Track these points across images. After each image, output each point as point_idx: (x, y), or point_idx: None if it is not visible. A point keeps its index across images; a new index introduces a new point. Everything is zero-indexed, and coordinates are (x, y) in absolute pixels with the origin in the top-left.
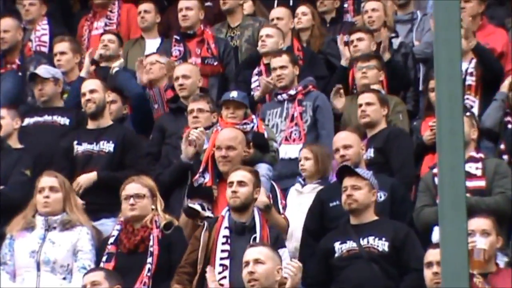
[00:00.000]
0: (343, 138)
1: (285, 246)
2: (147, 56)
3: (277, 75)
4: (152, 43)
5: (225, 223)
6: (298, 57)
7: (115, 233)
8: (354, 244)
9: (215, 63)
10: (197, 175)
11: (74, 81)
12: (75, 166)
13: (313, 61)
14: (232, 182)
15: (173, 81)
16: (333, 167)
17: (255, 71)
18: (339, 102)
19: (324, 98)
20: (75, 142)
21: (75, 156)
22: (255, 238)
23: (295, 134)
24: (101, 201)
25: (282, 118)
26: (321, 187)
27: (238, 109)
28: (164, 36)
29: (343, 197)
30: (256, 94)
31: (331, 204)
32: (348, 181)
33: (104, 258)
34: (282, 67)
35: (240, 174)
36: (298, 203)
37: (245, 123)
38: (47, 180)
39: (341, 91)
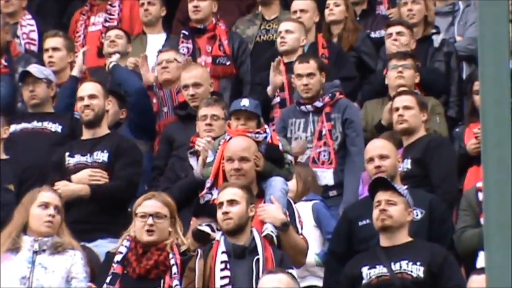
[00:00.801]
0: (380, 147)
1: (292, 267)
2: (160, 52)
3: (303, 84)
4: (155, 39)
5: (222, 247)
6: (323, 56)
7: (123, 250)
8: (385, 270)
9: (228, 63)
10: (204, 191)
11: (65, 82)
12: (66, 180)
13: (340, 60)
14: (221, 203)
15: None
16: (363, 180)
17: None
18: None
19: (354, 109)
20: (67, 154)
21: (67, 169)
22: (258, 260)
23: (324, 156)
24: (97, 220)
25: (307, 133)
26: (305, 203)
27: (250, 120)
28: (171, 32)
29: (375, 212)
30: (269, 88)
31: (360, 223)
32: (382, 195)
33: (108, 279)
34: (309, 75)
35: (230, 192)
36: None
37: (257, 132)
38: (53, 197)
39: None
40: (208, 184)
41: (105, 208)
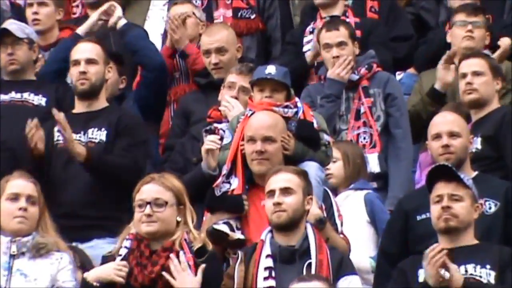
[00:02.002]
0: (450, 121)
1: (354, 273)
2: (175, 3)
3: (333, 56)
4: None
5: (266, 250)
6: (371, 9)
7: (123, 252)
8: (447, 274)
9: (253, 17)
10: (220, 180)
11: (51, 45)
12: (53, 163)
13: (393, 14)
14: (273, 191)
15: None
16: (421, 163)
17: (309, 28)
18: (449, 74)
19: (396, 82)
20: (56, 129)
21: (55, 148)
22: (309, 264)
23: (364, 138)
24: (93, 215)
25: (339, 111)
26: (361, 192)
27: (276, 92)
28: None
29: (436, 210)
30: (309, 53)
31: (419, 217)
32: (444, 188)
33: None
34: (340, 45)
35: (284, 178)
36: None
37: (286, 106)
38: (24, 185)
39: (456, 60)
40: (224, 171)
41: (103, 198)
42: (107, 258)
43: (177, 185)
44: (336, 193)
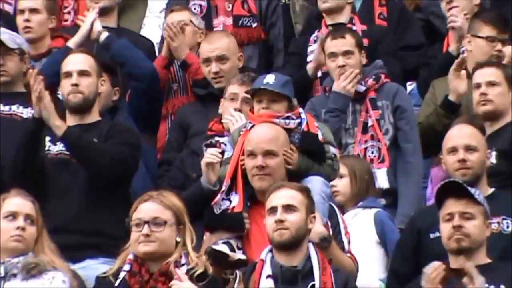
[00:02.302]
0: (468, 135)
1: None
2: (171, 10)
3: (338, 66)
4: None
5: (267, 270)
6: (380, 15)
7: (122, 275)
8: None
9: (254, 25)
10: (219, 197)
11: (43, 54)
12: (45, 173)
13: (403, 21)
14: (274, 208)
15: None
16: (432, 178)
17: (313, 36)
18: (462, 84)
19: (406, 94)
20: (48, 139)
21: (47, 158)
22: (313, 286)
23: (372, 152)
24: (85, 230)
25: (345, 124)
26: (369, 210)
27: (274, 102)
28: None
29: (447, 229)
30: (309, 65)
31: (432, 235)
32: (454, 205)
33: None
34: (346, 54)
35: (287, 195)
36: None
37: (287, 117)
38: (22, 204)
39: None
40: (223, 187)
41: (95, 212)
42: (100, 280)
43: (176, 203)
44: (343, 211)
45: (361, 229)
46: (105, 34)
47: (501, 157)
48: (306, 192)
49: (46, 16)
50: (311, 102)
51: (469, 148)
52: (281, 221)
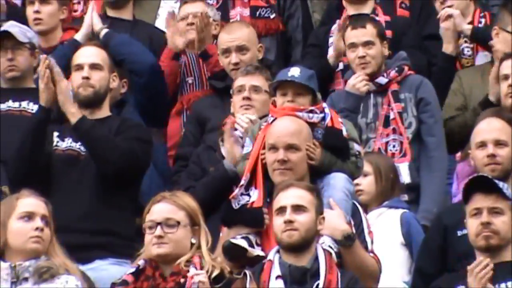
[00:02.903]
0: (497, 129)
1: None
2: (185, 2)
3: (358, 56)
4: None
5: (276, 270)
6: (402, 4)
7: (129, 279)
8: None
9: (272, 16)
10: (237, 191)
11: (54, 47)
12: (53, 170)
13: (425, 10)
14: (283, 208)
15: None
16: (458, 174)
17: (334, 27)
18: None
19: (430, 86)
20: (56, 134)
21: (54, 154)
22: (318, 285)
23: (394, 146)
24: (93, 228)
25: (367, 118)
26: (395, 210)
27: (300, 96)
28: None
29: (474, 225)
30: (330, 54)
31: (459, 233)
32: (482, 200)
33: None
34: (366, 44)
35: (296, 195)
36: None
37: (311, 111)
38: (37, 204)
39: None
40: (242, 182)
41: (104, 210)
42: (117, 285)
43: (190, 204)
44: (366, 211)
45: (386, 230)
46: (104, 31)
47: None
48: (315, 192)
49: (57, 7)
50: (330, 98)
51: (498, 143)
52: (291, 222)
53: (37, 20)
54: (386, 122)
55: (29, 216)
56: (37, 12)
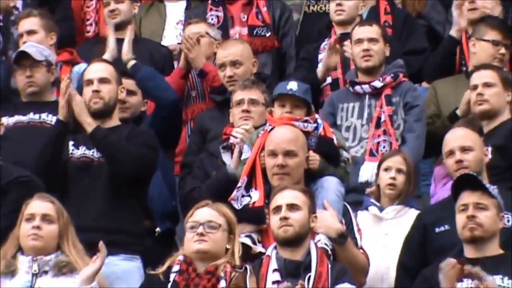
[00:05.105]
0: (461, 137)
1: (349, 281)
2: (188, 24)
3: (363, 49)
4: (175, 8)
5: (273, 264)
6: (385, 23)
7: (172, 276)
8: (473, 285)
9: (268, 35)
10: (235, 193)
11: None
12: (67, 176)
13: (407, 27)
14: (279, 207)
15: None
16: (435, 177)
17: (324, 44)
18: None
19: (417, 92)
20: (71, 143)
21: (69, 161)
22: (310, 278)
23: (384, 147)
24: (107, 230)
25: (362, 120)
26: (408, 209)
27: (297, 108)
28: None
29: (461, 219)
30: (319, 69)
31: (437, 230)
32: (469, 197)
33: None
34: (371, 40)
35: (291, 195)
36: (382, 232)
37: (305, 121)
38: (39, 206)
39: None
40: (239, 184)
41: (117, 211)
42: (150, 276)
43: (230, 214)
44: (381, 209)
45: (405, 227)
46: (131, 63)
47: (496, 152)
48: (308, 193)
49: (44, 34)
50: (331, 97)
51: (464, 149)
52: (286, 218)
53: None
54: (378, 123)
55: (31, 217)
56: (25, 43)
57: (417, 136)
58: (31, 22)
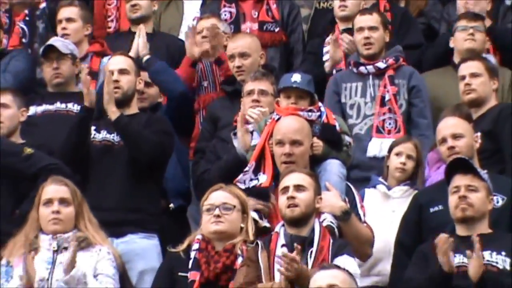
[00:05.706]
0: (452, 125)
1: (348, 254)
2: (200, 18)
3: (364, 37)
4: (192, 4)
5: (281, 240)
6: None
7: (193, 254)
8: (466, 259)
9: (277, 30)
10: (241, 176)
11: (81, 59)
12: (89, 158)
13: (405, 24)
14: (286, 187)
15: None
16: (429, 161)
17: (328, 39)
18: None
19: (421, 77)
20: (93, 128)
21: (91, 144)
22: (311, 252)
23: (389, 124)
24: (126, 209)
25: (365, 98)
26: (414, 191)
27: (301, 99)
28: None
29: (453, 200)
30: (327, 64)
31: (431, 210)
32: (461, 180)
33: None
34: (371, 29)
35: (298, 177)
36: (390, 209)
37: (309, 110)
38: (56, 190)
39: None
40: (247, 169)
41: (136, 192)
42: (170, 254)
43: (242, 195)
44: (389, 188)
45: None
46: (146, 58)
47: (485, 136)
48: (314, 177)
49: (81, 24)
50: (334, 77)
51: (455, 136)
52: (293, 198)
53: (64, 34)
54: (382, 102)
55: (49, 202)
56: (63, 29)
57: (429, 123)
58: (71, 11)
